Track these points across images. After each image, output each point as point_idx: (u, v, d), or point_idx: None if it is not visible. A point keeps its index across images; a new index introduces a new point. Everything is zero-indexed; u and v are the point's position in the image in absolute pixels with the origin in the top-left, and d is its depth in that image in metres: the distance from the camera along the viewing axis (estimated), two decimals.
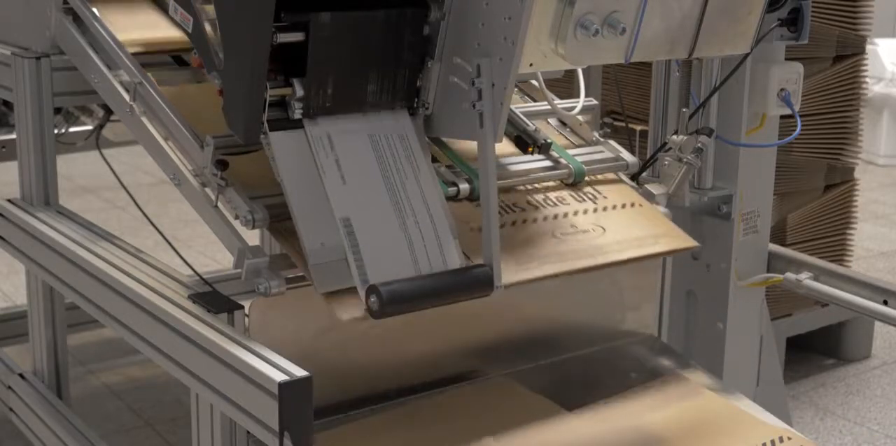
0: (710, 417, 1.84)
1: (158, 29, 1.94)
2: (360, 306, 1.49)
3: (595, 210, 1.84)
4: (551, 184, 1.88)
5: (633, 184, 1.95)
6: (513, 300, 1.84)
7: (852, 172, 3.02)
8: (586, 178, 1.91)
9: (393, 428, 1.76)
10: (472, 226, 1.69)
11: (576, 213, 1.82)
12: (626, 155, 1.97)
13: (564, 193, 1.86)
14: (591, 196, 1.87)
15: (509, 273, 1.63)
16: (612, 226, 1.82)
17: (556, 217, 1.80)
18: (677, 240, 1.85)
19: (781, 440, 1.76)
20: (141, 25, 1.95)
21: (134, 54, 1.81)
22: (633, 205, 1.89)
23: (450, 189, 1.70)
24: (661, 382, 1.93)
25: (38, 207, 2.01)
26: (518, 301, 1.88)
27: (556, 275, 1.69)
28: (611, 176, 1.95)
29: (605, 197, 1.88)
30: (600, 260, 1.75)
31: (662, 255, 1.85)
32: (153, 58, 1.91)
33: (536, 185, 1.87)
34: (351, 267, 1.51)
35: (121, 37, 1.84)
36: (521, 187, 1.85)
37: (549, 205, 1.82)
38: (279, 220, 1.59)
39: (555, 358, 1.95)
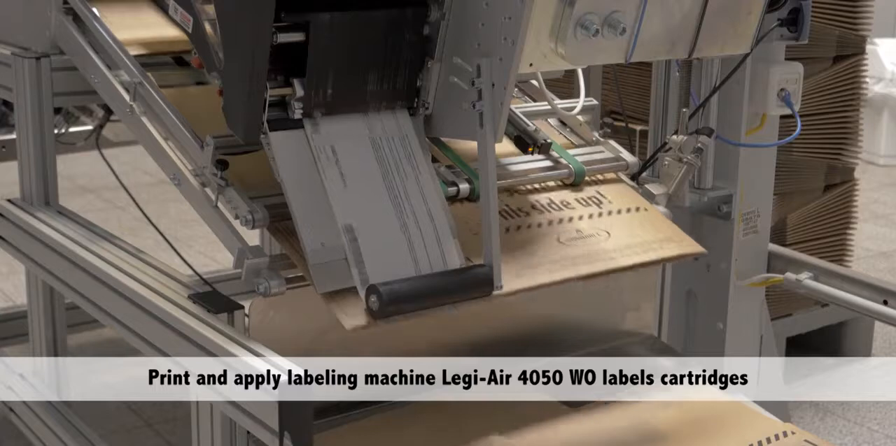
0: (713, 413, 1.83)
1: (158, 28, 1.94)
2: (363, 312, 1.49)
3: (600, 214, 1.83)
4: (553, 185, 1.87)
5: (634, 184, 1.95)
6: (513, 299, 1.84)
7: (852, 172, 3.02)
8: (588, 178, 1.89)
9: (393, 429, 1.76)
10: (471, 227, 1.69)
11: (580, 218, 1.80)
12: (626, 155, 1.97)
13: (569, 198, 1.84)
14: (595, 200, 1.85)
15: (515, 279, 1.62)
16: (617, 231, 1.80)
17: (560, 221, 1.78)
18: (683, 245, 1.83)
19: (785, 434, 1.76)
20: (141, 25, 1.95)
21: (136, 55, 1.81)
22: (637, 209, 1.87)
23: (450, 189, 1.70)
24: (662, 381, 1.93)
25: (38, 207, 2.01)
26: (518, 301, 1.87)
27: (563, 282, 1.67)
28: (612, 176, 1.94)
29: (609, 201, 1.86)
30: (607, 265, 1.73)
31: (669, 261, 1.82)
32: (153, 58, 1.91)
33: (539, 187, 1.85)
34: (352, 268, 1.51)
35: (121, 36, 1.84)
36: (525, 189, 1.84)
37: (553, 209, 1.80)
38: (278, 220, 1.59)
39: (555, 358, 1.95)
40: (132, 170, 4.29)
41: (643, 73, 2.64)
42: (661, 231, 1.84)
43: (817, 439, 1.76)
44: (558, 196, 1.84)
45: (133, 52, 1.83)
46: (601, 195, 1.87)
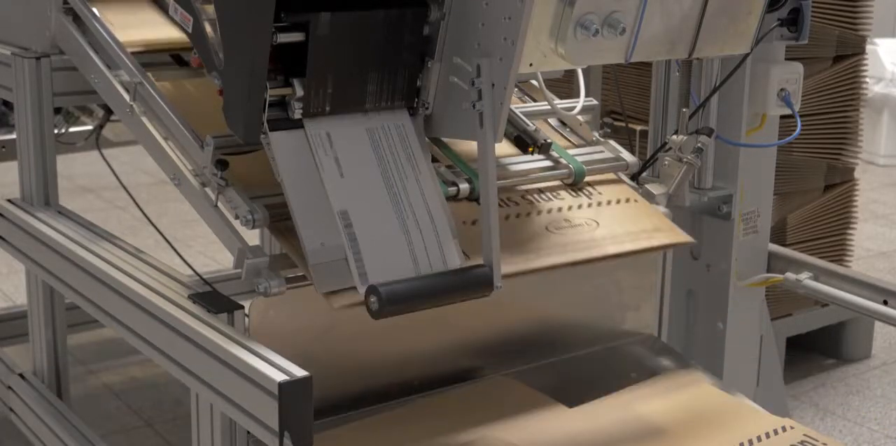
0: (711, 409, 1.84)
1: (158, 28, 1.94)
2: (354, 295, 1.49)
3: (589, 205, 1.85)
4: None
5: (633, 183, 1.95)
6: (513, 299, 1.84)
7: (852, 172, 3.02)
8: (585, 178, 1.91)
9: (393, 428, 1.76)
10: (472, 227, 1.69)
11: (570, 208, 1.83)
12: (626, 155, 1.97)
13: (559, 189, 1.87)
14: (586, 192, 1.88)
15: (507, 265, 1.63)
16: (606, 221, 1.82)
17: (549, 211, 1.81)
18: (672, 235, 1.85)
19: (784, 429, 1.76)
20: (140, 25, 1.95)
21: (134, 53, 1.81)
22: (627, 200, 1.89)
23: (450, 189, 1.70)
24: (661, 380, 1.93)
25: (38, 207, 2.01)
26: (518, 300, 1.88)
27: (552, 267, 1.70)
28: (609, 175, 1.95)
29: (599, 193, 1.89)
30: (596, 253, 1.75)
31: (658, 250, 1.85)
32: (153, 57, 1.90)
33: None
34: (350, 265, 1.51)
35: (120, 36, 1.84)
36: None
37: (543, 200, 1.83)
38: (279, 220, 1.59)
39: (555, 358, 1.95)
40: (132, 170, 4.29)
41: (643, 73, 2.64)
42: (651, 222, 1.86)
43: (817, 434, 1.76)
44: (549, 187, 1.86)
45: (131, 49, 1.82)
46: (591, 187, 1.90)
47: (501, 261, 1.58)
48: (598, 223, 1.81)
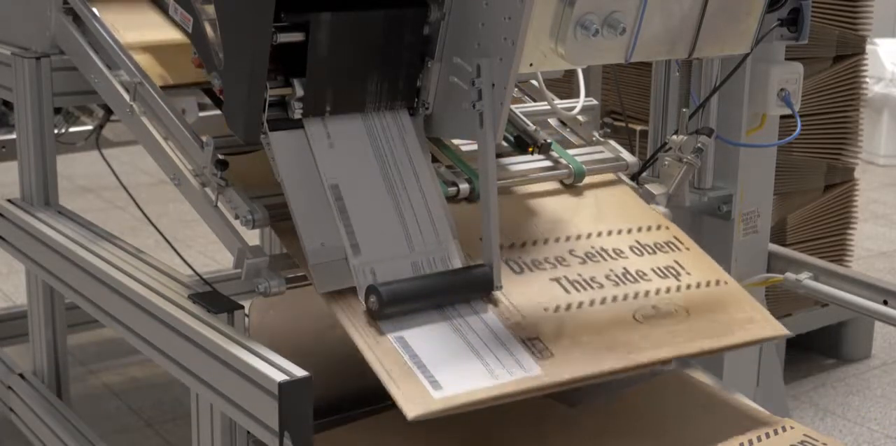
0: (711, 409, 1.83)
1: (159, 28, 1.94)
2: (428, 401, 1.46)
3: (678, 288, 1.74)
4: (627, 250, 1.78)
5: (634, 184, 1.95)
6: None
7: (852, 172, 3.02)
8: (665, 246, 1.82)
9: (393, 429, 1.76)
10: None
11: (657, 292, 1.72)
12: (626, 155, 1.97)
13: (646, 267, 1.75)
14: (673, 272, 1.77)
15: (594, 362, 1.55)
16: (696, 308, 1.70)
17: (636, 296, 1.69)
18: (767, 327, 1.72)
19: (784, 429, 1.76)
20: (142, 25, 1.95)
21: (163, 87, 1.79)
22: (717, 283, 1.78)
23: (450, 189, 1.70)
24: (661, 380, 1.93)
25: (38, 207, 2.01)
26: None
27: (641, 366, 1.60)
28: (688, 242, 1.84)
29: (688, 272, 1.78)
30: (687, 349, 1.64)
31: (752, 344, 1.72)
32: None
33: (612, 253, 1.77)
34: (351, 266, 1.51)
35: (126, 38, 1.84)
36: (598, 257, 1.75)
37: (628, 280, 1.72)
38: (279, 220, 1.59)
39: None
40: (132, 170, 4.29)
41: (643, 73, 2.64)
42: (743, 310, 1.74)
43: (817, 434, 1.76)
44: (633, 265, 1.75)
45: (159, 82, 1.80)
46: (679, 266, 1.79)
47: (591, 357, 1.52)
48: (687, 312, 1.69)
